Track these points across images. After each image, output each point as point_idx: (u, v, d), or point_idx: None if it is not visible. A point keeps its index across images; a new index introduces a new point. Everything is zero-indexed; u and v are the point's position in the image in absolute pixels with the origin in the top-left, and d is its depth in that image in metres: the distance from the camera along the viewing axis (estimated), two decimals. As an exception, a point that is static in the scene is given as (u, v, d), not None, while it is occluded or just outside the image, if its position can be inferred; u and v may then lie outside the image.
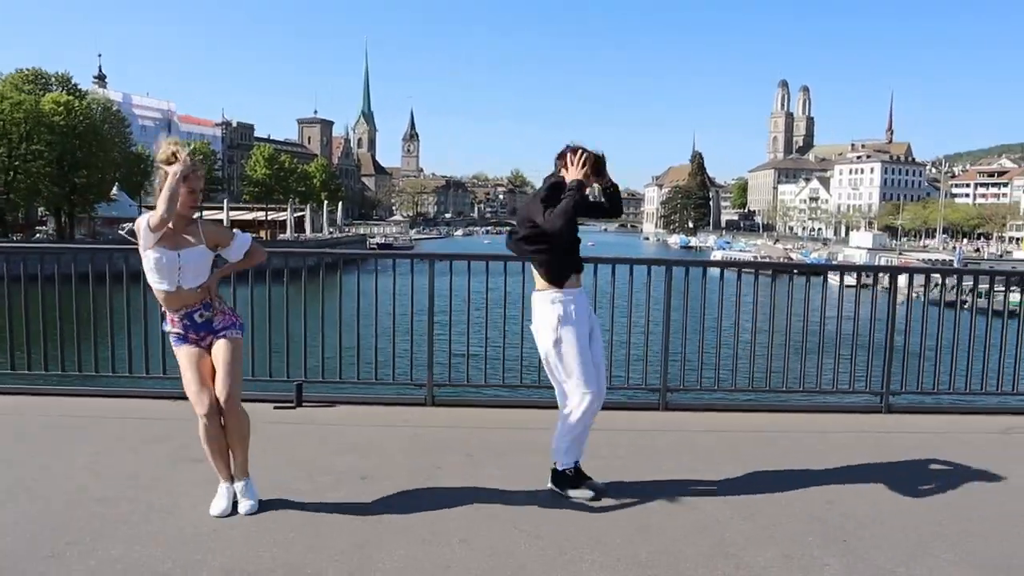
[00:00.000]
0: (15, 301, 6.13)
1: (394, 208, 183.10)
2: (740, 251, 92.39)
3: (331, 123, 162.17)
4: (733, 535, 3.66)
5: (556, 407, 5.70)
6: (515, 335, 6.00)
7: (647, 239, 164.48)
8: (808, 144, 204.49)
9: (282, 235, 64.96)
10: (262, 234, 64.80)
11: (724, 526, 3.76)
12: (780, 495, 4.23)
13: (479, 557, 3.33)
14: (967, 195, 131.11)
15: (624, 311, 6.27)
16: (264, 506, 3.83)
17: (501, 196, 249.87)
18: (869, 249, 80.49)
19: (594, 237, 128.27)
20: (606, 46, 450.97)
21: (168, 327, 3.75)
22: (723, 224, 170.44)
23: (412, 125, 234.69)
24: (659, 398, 6.17)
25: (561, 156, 4.07)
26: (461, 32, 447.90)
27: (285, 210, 67.47)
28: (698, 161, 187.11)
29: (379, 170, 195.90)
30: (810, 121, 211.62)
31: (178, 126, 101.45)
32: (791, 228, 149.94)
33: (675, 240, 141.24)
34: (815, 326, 6.22)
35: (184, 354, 3.70)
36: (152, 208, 3.65)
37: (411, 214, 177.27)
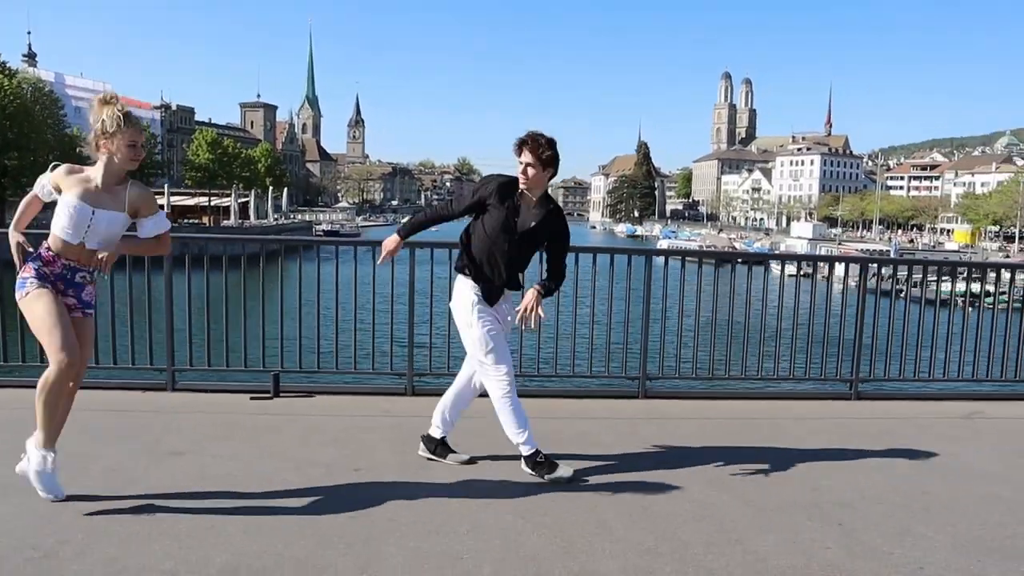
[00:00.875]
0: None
1: (339, 195, 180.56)
2: (687, 240, 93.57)
3: (275, 108, 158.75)
4: (733, 520, 3.70)
5: (533, 395, 5.75)
6: None
7: (594, 228, 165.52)
8: (751, 135, 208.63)
9: (226, 221, 63.55)
10: (205, 220, 63.40)
11: (723, 511, 3.81)
12: (770, 480, 4.32)
13: (490, 547, 3.30)
14: (901, 187, 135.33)
15: (598, 299, 6.26)
16: (258, 499, 3.74)
17: (448, 183, 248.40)
18: (810, 239, 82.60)
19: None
20: (553, 35, 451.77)
21: (39, 260, 3.51)
22: (668, 213, 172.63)
23: (357, 110, 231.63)
24: (638, 386, 6.21)
25: (520, 145, 4.02)
26: (407, 18, 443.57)
27: (229, 195, 66.02)
28: (644, 151, 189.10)
29: (324, 156, 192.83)
30: (752, 113, 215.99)
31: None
32: (734, 218, 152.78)
33: (622, 229, 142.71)
34: (773, 315, 6.35)
35: (49, 298, 3.45)
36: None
37: (357, 201, 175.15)
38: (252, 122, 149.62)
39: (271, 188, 76.85)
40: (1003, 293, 9.06)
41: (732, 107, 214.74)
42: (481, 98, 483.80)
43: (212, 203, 65.12)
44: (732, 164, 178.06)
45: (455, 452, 4.40)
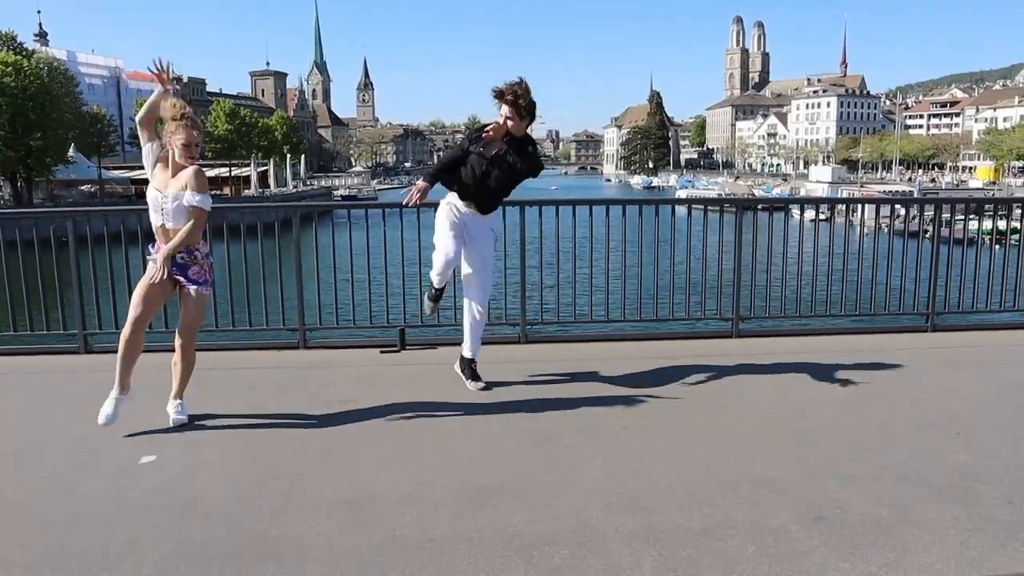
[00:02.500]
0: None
1: (352, 159, 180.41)
2: (704, 189, 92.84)
3: (285, 75, 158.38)
4: (860, 437, 4.15)
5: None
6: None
7: (608, 181, 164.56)
8: (764, 80, 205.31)
9: (247, 191, 64.00)
10: (227, 191, 63.82)
11: (847, 432, 4.26)
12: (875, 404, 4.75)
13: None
14: (921, 126, 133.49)
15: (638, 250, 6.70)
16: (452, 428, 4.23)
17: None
18: (830, 183, 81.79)
19: (556, 181, 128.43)
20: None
21: (152, 252, 4.27)
22: (683, 163, 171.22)
23: (366, 74, 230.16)
24: (731, 326, 6.63)
25: (498, 97, 4.62)
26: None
27: (248, 166, 66.34)
28: (656, 101, 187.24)
29: (335, 121, 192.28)
30: (765, 57, 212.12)
31: (127, 83, 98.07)
32: (750, 165, 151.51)
33: (637, 181, 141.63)
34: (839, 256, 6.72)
35: (148, 273, 4.24)
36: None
37: (371, 165, 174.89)
38: (263, 90, 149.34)
39: (289, 156, 77.04)
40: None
41: (744, 52, 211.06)
42: (489, 55, 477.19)
43: (232, 174, 65.42)
44: (746, 110, 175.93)
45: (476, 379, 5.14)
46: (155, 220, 4.24)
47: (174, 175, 4.20)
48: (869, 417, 4.47)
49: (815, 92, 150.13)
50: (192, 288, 4.30)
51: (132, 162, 71.53)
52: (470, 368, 5.16)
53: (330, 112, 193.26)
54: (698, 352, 5.98)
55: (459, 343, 5.34)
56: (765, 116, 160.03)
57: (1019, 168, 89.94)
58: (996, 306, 6.95)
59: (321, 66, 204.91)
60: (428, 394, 4.99)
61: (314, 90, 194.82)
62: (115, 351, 4.23)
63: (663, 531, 3.09)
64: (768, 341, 6.49)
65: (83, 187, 59.63)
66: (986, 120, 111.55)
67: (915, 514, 3.22)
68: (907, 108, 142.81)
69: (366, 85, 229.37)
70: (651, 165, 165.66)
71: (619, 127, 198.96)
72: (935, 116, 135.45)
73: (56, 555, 2.96)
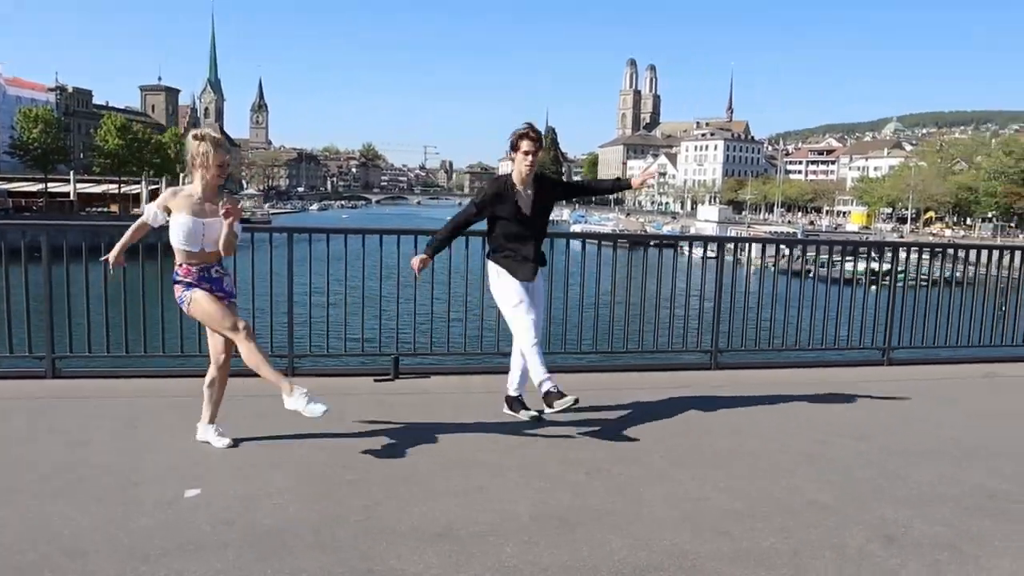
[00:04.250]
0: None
1: (244, 181, 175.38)
2: (598, 224, 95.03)
3: (177, 91, 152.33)
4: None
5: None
6: (474, 304, 6.37)
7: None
8: (655, 121, 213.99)
9: (136, 209, 61.18)
10: (114, 208, 60.82)
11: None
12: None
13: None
14: (800, 172, 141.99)
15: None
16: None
17: (354, 169, 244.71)
18: (718, 222, 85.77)
19: (453, 212, 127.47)
20: (460, 23, 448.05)
21: (179, 276, 4.18)
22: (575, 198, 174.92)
23: (261, 95, 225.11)
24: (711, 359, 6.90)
25: (520, 138, 4.74)
26: (308, 3, 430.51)
27: (139, 183, 63.45)
28: (551, 136, 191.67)
29: (228, 141, 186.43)
30: (656, 99, 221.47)
31: (4, 89, 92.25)
32: (640, 202, 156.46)
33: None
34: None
35: (203, 296, 4.15)
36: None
37: (263, 188, 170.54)
38: (153, 106, 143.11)
39: (182, 175, 74.10)
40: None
41: (637, 93, 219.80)
42: (385, 83, 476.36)
43: (121, 191, 62.42)
44: (637, 149, 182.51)
45: (527, 408, 5.09)
46: (190, 246, 4.13)
47: (207, 199, 4.15)
48: (885, 444, 4.77)
49: (703, 135, 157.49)
50: (233, 299, 4.34)
51: (9, 172, 67.22)
52: (518, 401, 5.13)
53: (223, 132, 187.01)
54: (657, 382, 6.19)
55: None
56: (655, 155, 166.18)
57: (887, 215, 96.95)
58: (954, 342, 7.57)
59: (215, 84, 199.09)
60: (440, 422, 4.97)
61: (207, 108, 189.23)
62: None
63: (759, 553, 3.19)
64: (743, 373, 6.81)
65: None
66: (859, 168, 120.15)
67: (970, 530, 3.47)
68: (788, 154, 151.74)
69: (260, 107, 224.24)
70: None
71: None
72: (812, 163, 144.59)
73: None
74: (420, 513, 3.50)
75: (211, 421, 4.41)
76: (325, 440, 4.47)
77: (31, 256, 5.93)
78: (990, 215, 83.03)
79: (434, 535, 3.29)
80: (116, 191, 62.08)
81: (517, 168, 4.79)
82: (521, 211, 4.78)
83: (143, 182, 62.51)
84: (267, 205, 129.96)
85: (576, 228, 78.42)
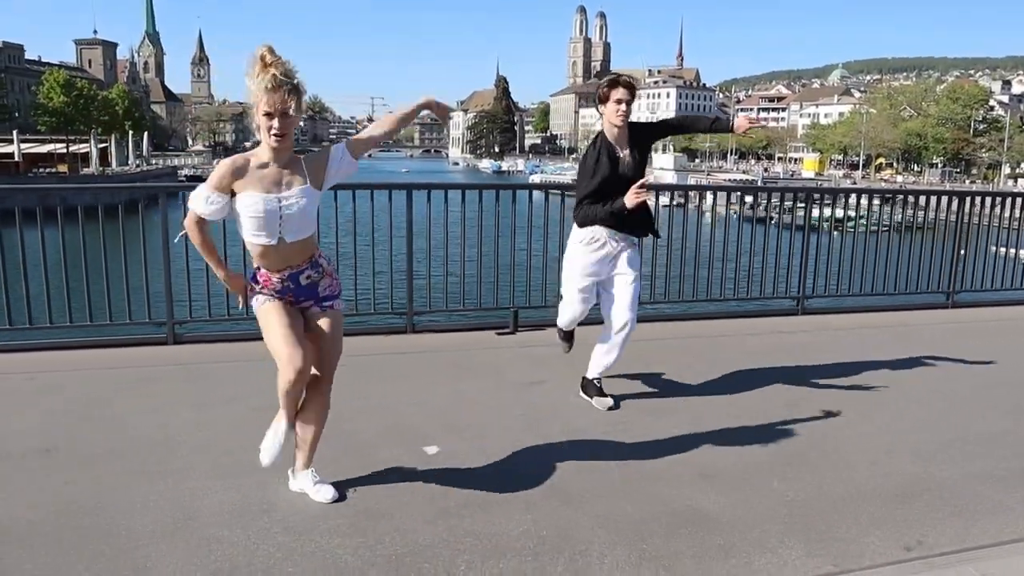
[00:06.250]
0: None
1: (190, 137, 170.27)
2: (555, 174, 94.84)
3: (115, 45, 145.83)
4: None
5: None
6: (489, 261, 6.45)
7: (456, 164, 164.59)
8: (606, 69, 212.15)
9: (86, 169, 59.19)
10: (63, 168, 58.73)
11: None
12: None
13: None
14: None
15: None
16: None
17: (301, 123, 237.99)
18: (676, 170, 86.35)
19: (405, 164, 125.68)
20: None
21: (258, 283, 3.08)
22: (527, 148, 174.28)
23: (201, 47, 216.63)
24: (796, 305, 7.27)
25: (610, 86, 4.46)
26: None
27: (86, 142, 61.32)
28: (503, 86, 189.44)
29: (170, 96, 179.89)
30: (607, 47, 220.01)
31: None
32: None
33: (486, 165, 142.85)
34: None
35: (273, 314, 3.02)
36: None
37: (209, 144, 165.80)
38: (90, 61, 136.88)
39: (131, 133, 71.81)
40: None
41: (588, 41, 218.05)
42: (332, 34, 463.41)
43: (69, 150, 60.21)
44: (589, 97, 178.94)
45: (603, 396, 4.63)
46: (263, 239, 2.94)
47: (283, 166, 2.92)
48: None
49: (656, 83, 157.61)
50: (329, 304, 3.15)
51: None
52: (594, 386, 4.66)
53: (164, 87, 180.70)
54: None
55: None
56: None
57: (839, 161, 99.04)
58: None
59: (154, 37, 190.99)
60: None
61: (146, 62, 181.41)
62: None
63: (984, 475, 3.64)
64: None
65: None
66: (809, 115, 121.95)
67: None
68: (739, 101, 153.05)
69: (201, 60, 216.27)
70: (497, 149, 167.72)
71: (465, 111, 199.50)
72: (763, 110, 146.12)
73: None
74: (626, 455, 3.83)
75: (307, 465, 3.29)
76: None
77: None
78: (936, 161, 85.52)
79: (640, 477, 3.60)
80: (64, 151, 59.80)
81: (608, 121, 4.43)
82: (619, 168, 4.40)
83: (92, 140, 60.43)
84: (215, 161, 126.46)
85: (535, 178, 78.29)
